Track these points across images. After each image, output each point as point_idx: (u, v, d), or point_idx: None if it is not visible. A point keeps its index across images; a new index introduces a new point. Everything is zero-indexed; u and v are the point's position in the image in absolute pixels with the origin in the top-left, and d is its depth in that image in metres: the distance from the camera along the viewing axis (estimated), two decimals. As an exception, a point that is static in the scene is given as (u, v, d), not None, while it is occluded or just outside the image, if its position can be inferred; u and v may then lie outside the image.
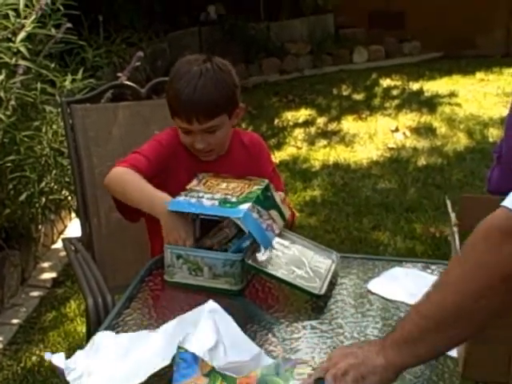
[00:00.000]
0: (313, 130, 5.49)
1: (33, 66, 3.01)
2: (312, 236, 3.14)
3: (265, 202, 1.62)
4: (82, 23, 4.55)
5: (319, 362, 1.26)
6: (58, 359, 1.24)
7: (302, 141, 5.24)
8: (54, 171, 3.10)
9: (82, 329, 2.75)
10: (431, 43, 7.65)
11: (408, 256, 3.21)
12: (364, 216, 3.89)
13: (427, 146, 5.00)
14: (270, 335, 1.37)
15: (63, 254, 3.24)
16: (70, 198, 3.24)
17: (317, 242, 1.74)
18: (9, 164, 2.92)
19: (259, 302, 1.54)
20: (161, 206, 1.63)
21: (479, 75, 6.95)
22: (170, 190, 1.73)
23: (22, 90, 2.96)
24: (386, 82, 6.83)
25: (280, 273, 1.53)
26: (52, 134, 3.11)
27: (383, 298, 1.51)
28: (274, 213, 1.64)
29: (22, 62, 2.94)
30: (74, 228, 3.57)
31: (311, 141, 5.23)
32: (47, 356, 1.25)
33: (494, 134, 5.13)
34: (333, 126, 5.54)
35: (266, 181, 1.71)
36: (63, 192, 3.21)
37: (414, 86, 6.64)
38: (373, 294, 1.53)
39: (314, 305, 1.49)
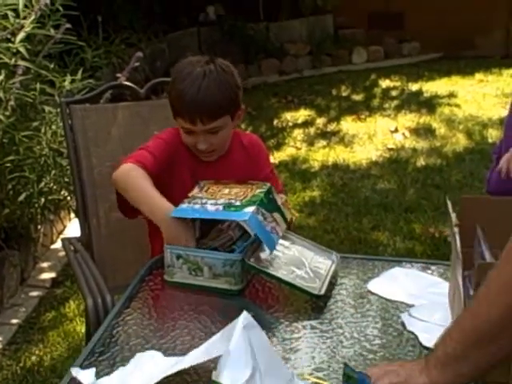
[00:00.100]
0: (312, 130, 5.49)
1: (32, 66, 3.01)
2: (311, 236, 3.13)
3: (268, 204, 1.62)
4: (81, 24, 4.55)
5: (319, 362, 1.26)
6: (85, 376, 1.17)
7: (302, 141, 5.24)
8: (53, 171, 3.09)
9: (82, 329, 2.75)
10: (430, 44, 7.65)
11: (407, 256, 3.21)
12: (363, 216, 3.89)
13: (426, 147, 5.00)
14: (269, 335, 1.37)
15: (62, 254, 3.25)
16: (69, 198, 3.24)
17: (316, 242, 1.74)
18: (8, 164, 2.91)
19: (259, 302, 1.54)
20: (161, 214, 1.63)
21: (478, 76, 6.96)
22: (172, 189, 1.74)
23: (22, 91, 2.96)
24: (385, 83, 6.84)
25: (280, 273, 1.53)
26: (51, 135, 3.11)
27: (383, 298, 1.51)
28: (276, 215, 1.64)
29: (21, 63, 2.94)
30: (73, 228, 3.58)
31: (310, 141, 5.24)
32: (74, 372, 1.18)
33: (493, 134, 5.13)
34: (332, 127, 5.55)
35: (268, 184, 1.71)
36: (62, 192, 3.21)
37: (413, 86, 6.64)
38: (372, 294, 1.53)
39: (313, 305, 1.49)
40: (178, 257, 1.55)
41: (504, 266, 1.06)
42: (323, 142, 5.20)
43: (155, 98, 2.39)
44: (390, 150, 4.98)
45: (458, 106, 5.98)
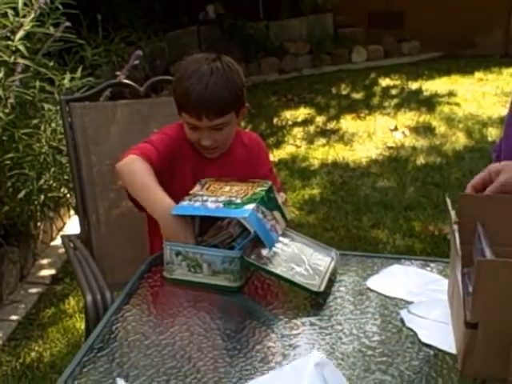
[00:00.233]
0: (312, 128, 5.50)
1: (31, 64, 3.01)
2: (311, 234, 3.12)
3: (268, 203, 1.62)
4: (80, 22, 4.55)
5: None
6: None
7: (301, 139, 5.24)
8: (53, 169, 3.10)
9: (81, 325, 2.76)
10: (430, 43, 7.66)
11: (407, 254, 3.21)
12: (363, 214, 3.89)
13: (426, 145, 5.00)
14: (269, 331, 1.37)
15: (62, 250, 3.25)
16: (68, 195, 3.24)
17: (316, 240, 1.74)
18: (7, 162, 2.92)
19: (258, 299, 1.54)
20: (161, 210, 1.63)
21: (478, 75, 6.96)
22: (174, 184, 1.75)
23: (21, 89, 2.96)
24: (384, 82, 6.84)
25: (279, 270, 1.53)
26: (51, 132, 3.11)
27: (382, 295, 1.51)
28: (276, 214, 1.65)
29: (20, 61, 2.94)
30: (72, 225, 3.58)
31: (310, 139, 5.24)
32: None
33: (493, 133, 5.14)
34: (332, 125, 5.55)
35: (269, 182, 1.71)
36: (62, 190, 3.21)
37: (413, 85, 6.64)
38: (372, 291, 1.53)
39: (313, 302, 1.49)
40: (178, 254, 1.55)
41: None
42: (323, 141, 5.20)
43: (155, 96, 2.40)
44: (390, 148, 4.98)
45: (457, 104, 5.98)
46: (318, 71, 7.31)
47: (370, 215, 3.88)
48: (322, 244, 1.72)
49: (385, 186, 4.31)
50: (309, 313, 1.45)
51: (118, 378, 1.14)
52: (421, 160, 4.73)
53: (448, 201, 1.48)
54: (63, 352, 2.67)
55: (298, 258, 1.61)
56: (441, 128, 5.37)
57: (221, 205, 1.58)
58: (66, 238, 2.15)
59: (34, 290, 3.13)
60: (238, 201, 1.59)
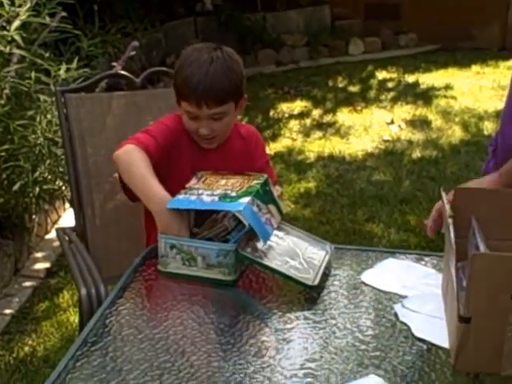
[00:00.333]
0: (308, 121, 5.49)
1: (27, 54, 3.00)
2: (306, 227, 3.13)
3: (264, 196, 1.62)
4: (77, 12, 4.53)
5: (312, 352, 1.26)
6: None
7: (297, 132, 5.24)
8: (48, 161, 3.09)
9: (75, 319, 2.76)
10: (427, 35, 7.64)
11: (402, 248, 3.22)
12: (358, 208, 3.89)
13: (422, 139, 5.00)
14: (263, 325, 1.37)
15: (57, 244, 3.23)
16: (63, 187, 3.24)
17: (311, 233, 1.74)
18: (2, 153, 2.91)
19: (253, 293, 1.54)
20: (157, 203, 1.62)
21: (475, 68, 6.95)
22: (172, 175, 1.75)
23: (16, 79, 2.95)
24: (381, 74, 6.83)
25: (274, 263, 1.53)
26: (46, 124, 3.11)
27: (376, 289, 1.51)
28: (272, 207, 1.64)
29: (16, 51, 2.93)
30: (67, 218, 3.57)
31: (306, 132, 5.23)
32: None
33: (489, 127, 5.14)
34: (328, 118, 5.54)
35: (265, 175, 1.71)
36: (57, 182, 3.20)
37: (410, 78, 6.63)
38: (366, 285, 1.53)
39: (307, 296, 1.49)
40: (172, 247, 1.55)
41: None
42: (319, 134, 5.19)
43: (151, 87, 2.39)
44: (386, 141, 4.98)
45: (454, 98, 5.97)
46: (315, 63, 7.30)
47: (366, 209, 3.88)
48: (316, 238, 1.72)
49: (380, 179, 4.31)
50: (303, 307, 1.45)
51: None
52: (417, 153, 4.73)
53: (443, 194, 1.48)
54: (57, 346, 2.66)
55: (293, 252, 1.61)
56: (437, 121, 5.37)
57: (216, 198, 1.58)
58: (61, 231, 2.14)
59: (28, 284, 3.12)
60: (234, 194, 1.59)
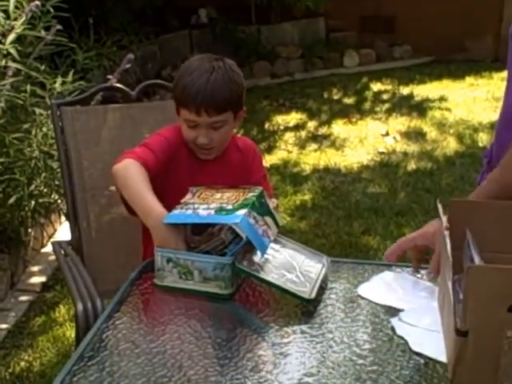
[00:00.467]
0: (303, 133, 5.50)
1: (23, 68, 3.00)
2: (302, 240, 3.13)
3: (260, 208, 1.62)
4: (72, 26, 4.54)
5: (309, 366, 1.26)
6: None
7: (293, 145, 5.25)
8: (44, 174, 3.08)
9: (71, 334, 2.74)
10: (422, 47, 7.68)
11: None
12: (354, 220, 3.89)
13: (417, 151, 5.01)
14: (260, 339, 1.37)
15: (53, 257, 3.23)
16: (59, 201, 3.23)
17: (307, 246, 1.74)
18: (-2, 167, 2.90)
19: (249, 306, 1.54)
20: (153, 219, 1.62)
21: (469, 80, 6.99)
22: (169, 188, 1.75)
23: (12, 92, 2.96)
24: (376, 86, 6.86)
25: (270, 277, 1.53)
26: (42, 137, 3.11)
27: (373, 302, 1.51)
28: (268, 219, 1.64)
29: (11, 64, 2.93)
30: (63, 231, 3.56)
31: (302, 145, 5.24)
32: None
33: (484, 138, 5.16)
34: (323, 130, 5.56)
35: (261, 188, 1.71)
36: (53, 195, 3.20)
37: (405, 90, 6.66)
38: (363, 298, 1.53)
39: (303, 309, 1.48)
40: (169, 260, 1.55)
41: None
42: (314, 146, 5.20)
43: (146, 100, 2.39)
44: (381, 153, 4.99)
45: (448, 109, 6.00)
46: (310, 75, 7.32)
47: (361, 221, 3.88)
48: (313, 250, 1.72)
49: (376, 191, 4.32)
50: (300, 320, 1.45)
51: None
52: (412, 165, 4.74)
53: (439, 206, 1.48)
54: (53, 361, 2.65)
55: (290, 265, 1.61)
56: (432, 133, 5.39)
57: (212, 212, 1.58)
58: (57, 245, 2.13)
59: (24, 298, 3.11)
60: (230, 207, 1.59)
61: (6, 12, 3.00)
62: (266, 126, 5.70)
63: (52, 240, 3.42)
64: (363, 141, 5.26)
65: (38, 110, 3.12)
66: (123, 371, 1.24)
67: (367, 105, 6.26)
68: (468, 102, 6.24)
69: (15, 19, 3.01)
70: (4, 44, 2.94)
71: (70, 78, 3.35)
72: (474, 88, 6.73)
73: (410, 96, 6.45)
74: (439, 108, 6.04)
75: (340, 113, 6.00)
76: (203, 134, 1.83)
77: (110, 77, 3.10)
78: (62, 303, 3.04)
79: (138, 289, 1.57)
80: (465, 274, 1.17)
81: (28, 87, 3.05)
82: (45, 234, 3.57)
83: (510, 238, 1.41)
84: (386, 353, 1.31)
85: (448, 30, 7.46)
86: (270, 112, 6.10)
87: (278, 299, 1.53)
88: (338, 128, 5.59)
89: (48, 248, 3.47)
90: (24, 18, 3.02)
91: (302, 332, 1.39)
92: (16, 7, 3.01)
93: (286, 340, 1.36)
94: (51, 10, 3.17)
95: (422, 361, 1.28)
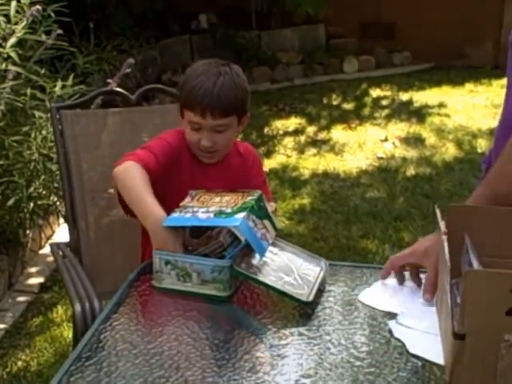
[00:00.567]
0: (302, 138, 5.51)
1: (23, 71, 3.01)
2: (301, 244, 3.13)
3: (259, 211, 1.63)
4: (72, 30, 4.55)
5: (307, 368, 1.26)
6: None
7: (292, 149, 5.25)
8: (43, 176, 3.09)
9: (69, 334, 2.74)
10: (421, 54, 7.70)
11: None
12: (353, 224, 3.90)
13: (416, 156, 5.02)
14: (257, 341, 1.37)
15: (51, 259, 3.22)
16: (58, 203, 3.23)
17: (305, 250, 1.74)
18: (-3, 169, 2.91)
19: (247, 309, 1.54)
20: (152, 222, 1.63)
21: (468, 86, 7.00)
22: (170, 191, 1.75)
23: (12, 96, 2.96)
24: (375, 92, 6.87)
25: (268, 279, 1.53)
26: (41, 140, 3.11)
27: (373, 308, 1.51)
28: (267, 222, 1.65)
29: (12, 68, 2.94)
30: (62, 233, 3.56)
31: (301, 149, 5.25)
32: None
33: (483, 144, 5.17)
34: (322, 135, 5.56)
35: (259, 191, 1.72)
36: (52, 197, 3.20)
37: (404, 96, 6.67)
38: (361, 302, 1.53)
39: (301, 312, 1.49)
40: (167, 262, 1.55)
41: None
42: (313, 150, 5.21)
43: (146, 104, 2.40)
44: (380, 158, 5.00)
45: (447, 115, 6.01)
46: (310, 81, 7.34)
47: (360, 225, 3.88)
48: (311, 253, 1.72)
49: (375, 196, 4.32)
50: (297, 323, 1.45)
51: None
52: (411, 171, 4.75)
53: (437, 211, 1.48)
54: (50, 361, 2.65)
55: (288, 268, 1.61)
56: (431, 139, 5.39)
57: (211, 215, 1.58)
58: (55, 246, 2.14)
59: (22, 299, 3.11)
60: (229, 210, 1.59)
61: (7, 16, 3.01)
62: (266, 130, 5.71)
63: (50, 241, 3.43)
64: (362, 146, 5.27)
65: (37, 113, 3.13)
66: (121, 372, 1.24)
67: (366, 110, 6.27)
68: (467, 108, 6.25)
69: (16, 23, 3.02)
70: (5, 47, 2.95)
71: (70, 81, 3.36)
72: (474, 95, 6.74)
73: (410, 102, 6.46)
74: (438, 114, 6.05)
75: (339, 118, 6.01)
76: (207, 136, 1.83)
77: (109, 81, 3.10)
78: (59, 304, 3.04)
79: (136, 290, 1.58)
80: (463, 278, 1.17)
81: (28, 90, 3.06)
82: (43, 235, 3.57)
83: (508, 243, 1.41)
84: (384, 355, 1.31)
85: (448, 37, 7.48)
86: (269, 117, 6.11)
87: (275, 301, 1.54)
88: (338, 133, 5.60)
89: (46, 249, 3.47)
90: (25, 22, 3.03)
91: (300, 334, 1.39)
92: (17, 11, 3.02)
93: (283, 342, 1.36)
94: (52, 14, 3.18)
95: (420, 363, 1.28)
